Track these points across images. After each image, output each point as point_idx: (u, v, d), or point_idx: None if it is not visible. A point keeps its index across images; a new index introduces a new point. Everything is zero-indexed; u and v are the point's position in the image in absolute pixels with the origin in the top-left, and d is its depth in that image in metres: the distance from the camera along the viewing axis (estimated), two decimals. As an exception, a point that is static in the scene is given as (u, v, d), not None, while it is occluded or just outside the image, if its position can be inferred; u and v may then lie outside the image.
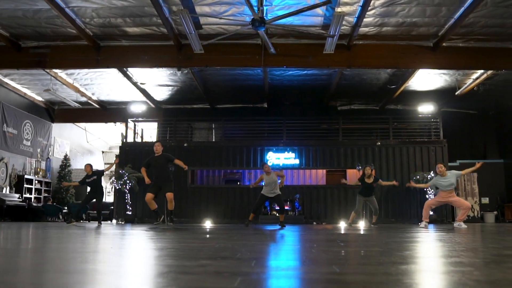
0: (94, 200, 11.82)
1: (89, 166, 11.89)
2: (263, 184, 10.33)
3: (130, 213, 14.76)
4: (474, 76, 14.04)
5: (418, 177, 14.36)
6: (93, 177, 11.65)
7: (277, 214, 12.20)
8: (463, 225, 9.74)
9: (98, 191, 11.63)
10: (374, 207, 11.50)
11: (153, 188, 9.37)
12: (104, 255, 3.07)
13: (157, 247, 3.72)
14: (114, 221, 15.33)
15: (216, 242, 4.23)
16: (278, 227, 9.71)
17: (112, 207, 15.94)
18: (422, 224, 10.35)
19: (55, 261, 2.63)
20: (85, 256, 2.87)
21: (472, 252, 3.19)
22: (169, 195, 9.25)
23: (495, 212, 16.52)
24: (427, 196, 14.22)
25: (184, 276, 1.94)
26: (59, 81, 14.36)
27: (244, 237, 5.11)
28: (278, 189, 10.22)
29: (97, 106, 17.36)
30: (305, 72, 14.15)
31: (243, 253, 2.94)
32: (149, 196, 9.26)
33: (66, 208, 16.74)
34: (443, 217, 14.80)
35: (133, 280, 1.86)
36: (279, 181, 10.46)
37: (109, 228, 9.08)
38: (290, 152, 15.46)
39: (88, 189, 11.80)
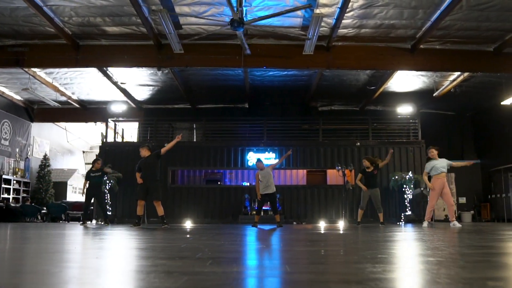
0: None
1: (100, 161, 11.61)
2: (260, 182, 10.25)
3: (110, 213, 14.60)
4: (451, 78, 14.21)
5: (396, 177, 14.50)
6: (98, 173, 11.43)
7: (270, 213, 12.17)
8: (458, 224, 9.77)
9: (98, 188, 11.40)
10: (376, 203, 11.16)
11: (141, 192, 9.46)
12: (63, 255, 3.03)
13: (121, 247, 3.69)
14: (94, 221, 15.18)
15: (184, 242, 4.22)
16: (254, 228, 9.72)
17: (92, 207, 15.77)
18: (425, 224, 10.21)
19: (11, 262, 2.59)
20: (44, 257, 2.84)
21: (439, 250, 3.23)
22: (156, 203, 9.42)
23: (472, 212, 16.76)
24: (405, 196, 14.35)
25: (128, 276, 1.94)
26: (38, 80, 14.18)
27: (215, 237, 5.10)
28: (274, 186, 10.19)
29: (77, 105, 17.19)
30: (286, 72, 14.19)
31: (204, 253, 2.94)
32: (141, 202, 9.45)
33: (45, 208, 16.54)
34: (421, 217, 14.92)
35: (68, 280, 1.84)
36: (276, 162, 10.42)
37: (84, 228, 9.00)
38: (271, 152, 15.50)
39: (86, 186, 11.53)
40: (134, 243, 4.16)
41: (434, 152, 10.43)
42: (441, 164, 10.26)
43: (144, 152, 9.71)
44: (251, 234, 6.05)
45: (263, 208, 14.65)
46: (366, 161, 11.50)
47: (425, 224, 10.32)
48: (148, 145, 10.22)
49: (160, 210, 9.42)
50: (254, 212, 14.81)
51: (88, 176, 11.47)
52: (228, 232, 6.55)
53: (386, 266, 2.23)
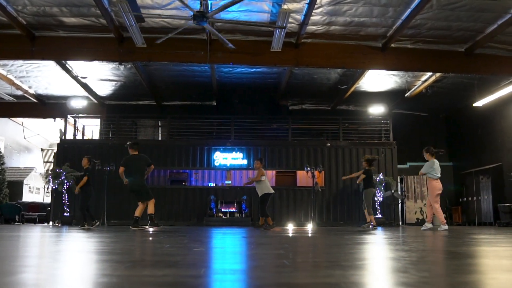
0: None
1: (87, 159, 10.88)
2: (262, 179, 10.17)
3: (67, 214, 14.35)
4: (424, 78, 14.44)
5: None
6: (81, 173, 10.85)
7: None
8: (429, 225, 9.90)
9: (84, 189, 10.71)
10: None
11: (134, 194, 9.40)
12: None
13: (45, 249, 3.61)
14: (50, 223, 14.89)
15: (123, 243, 4.15)
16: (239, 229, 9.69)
17: (49, 208, 15.48)
18: (443, 227, 9.78)
19: None
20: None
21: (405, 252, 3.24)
22: (140, 204, 9.30)
23: (444, 215, 17.02)
24: (375, 198, 14.49)
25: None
26: (-10, 72, 13.83)
27: (163, 239, 5.04)
28: (257, 189, 10.28)
29: (34, 100, 16.81)
30: (254, 70, 14.18)
31: (124, 254, 2.88)
32: (141, 205, 9.31)
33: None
34: (391, 220, 15.14)
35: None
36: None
37: (38, 230, 8.81)
38: (238, 152, 15.47)
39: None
40: (63, 245, 4.07)
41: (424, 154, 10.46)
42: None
43: (133, 152, 9.46)
44: (198, 236, 6.00)
45: (228, 210, 14.66)
46: (364, 162, 11.19)
47: (445, 227, 9.82)
48: (139, 141, 9.82)
49: (152, 208, 9.28)
50: (221, 215, 14.79)
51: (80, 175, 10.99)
52: (179, 235, 6.48)
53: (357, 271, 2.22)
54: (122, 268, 2.35)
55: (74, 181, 14.06)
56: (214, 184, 15.77)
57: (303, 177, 15.84)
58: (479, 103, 14.71)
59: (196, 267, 2.41)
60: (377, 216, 14.51)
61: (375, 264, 2.74)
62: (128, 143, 9.81)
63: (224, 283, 1.98)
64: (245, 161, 15.43)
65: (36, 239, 5.60)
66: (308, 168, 13.81)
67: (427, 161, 10.57)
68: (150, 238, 5.63)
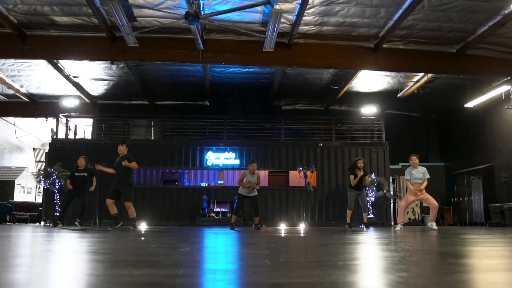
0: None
1: (83, 159, 10.93)
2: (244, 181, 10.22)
3: (59, 214, 14.26)
4: (415, 78, 14.49)
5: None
6: (83, 173, 10.80)
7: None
8: (435, 226, 9.94)
9: (83, 189, 10.73)
10: (364, 203, 11.12)
11: (112, 193, 9.32)
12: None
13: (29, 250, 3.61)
14: (42, 223, 14.83)
15: (109, 243, 4.15)
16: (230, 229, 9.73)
17: (41, 208, 15.42)
18: (398, 227, 10.20)
19: None
20: None
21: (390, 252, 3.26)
22: (127, 204, 9.27)
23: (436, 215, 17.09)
24: (367, 198, 14.51)
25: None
26: (-18, 71, 13.77)
27: (151, 239, 5.04)
28: (256, 190, 10.31)
29: (26, 99, 16.75)
30: (247, 70, 14.19)
31: (107, 254, 2.88)
32: (108, 201, 9.27)
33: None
34: (383, 220, 15.18)
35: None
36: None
37: (28, 230, 8.77)
38: (231, 152, 15.46)
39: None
40: (47, 245, 4.06)
41: (416, 160, 10.39)
42: (420, 174, 10.29)
43: (123, 150, 9.44)
44: (185, 237, 6.00)
45: (221, 210, 14.64)
46: (362, 162, 11.26)
47: (398, 227, 10.23)
48: (127, 142, 9.78)
49: (131, 212, 9.30)
50: (213, 215, 14.79)
51: (72, 176, 10.95)
52: (166, 236, 6.48)
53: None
54: (101, 268, 2.35)
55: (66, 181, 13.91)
56: (206, 184, 15.77)
57: (295, 177, 15.86)
58: (470, 104, 14.78)
59: (176, 267, 2.41)
60: (369, 216, 14.56)
61: (357, 264, 2.75)
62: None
63: (200, 283, 1.98)
64: (237, 161, 15.43)
65: (23, 239, 5.59)
66: (301, 168, 13.85)
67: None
68: (142, 238, 5.63)
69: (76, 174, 10.79)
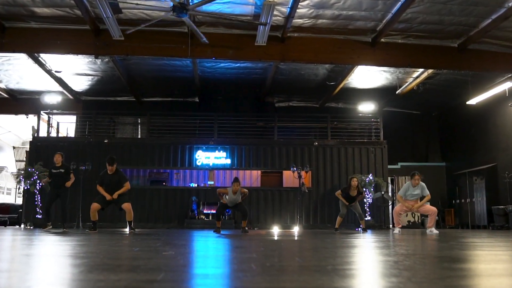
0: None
1: (60, 155, 10.85)
2: (225, 197, 10.28)
3: (40, 216, 14.22)
4: (415, 74, 14.52)
5: (356, 180, 14.71)
6: (61, 169, 10.74)
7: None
8: (435, 231, 10.00)
9: (62, 187, 10.67)
10: (358, 212, 11.53)
11: (101, 200, 9.36)
12: None
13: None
14: (22, 225, 14.76)
15: (90, 247, 4.14)
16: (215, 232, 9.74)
17: (21, 210, 15.35)
18: (396, 230, 10.52)
19: None
20: None
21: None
22: (127, 206, 9.38)
23: (436, 218, 17.16)
24: (365, 200, 14.56)
25: None
26: (-43, 65, 13.67)
27: (134, 242, 5.03)
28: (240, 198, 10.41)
29: (5, 95, 16.64)
30: (238, 65, 14.17)
31: (86, 258, 2.88)
32: (94, 206, 9.32)
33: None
34: (381, 222, 15.23)
35: None
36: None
37: (8, 233, 8.73)
38: (221, 151, 15.46)
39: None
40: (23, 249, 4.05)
41: (418, 181, 10.54)
42: (415, 193, 10.47)
43: (111, 168, 9.55)
44: (163, 240, 6.00)
45: (211, 212, 14.64)
46: (356, 181, 11.38)
47: (396, 230, 10.56)
48: (115, 159, 9.74)
49: (130, 215, 9.46)
50: (203, 217, 14.78)
51: (50, 174, 10.95)
52: (143, 239, 6.47)
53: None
54: (77, 272, 2.35)
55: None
56: (196, 185, 15.75)
57: (289, 177, 15.87)
58: (472, 101, 14.83)
59: (156, 272, 2.41)
60: (366, 219, 14.61)
61: (347, 269, 2.76)
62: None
63: (180, 288, 1.99)
64: (228, 161, 15.42)
65: (1, 242, 5.56)
66: (295, 168, 13.86)
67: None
68: (125, 241, 5.62)
69: (53, 171, 10.81)
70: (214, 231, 9.98)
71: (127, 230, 9.78)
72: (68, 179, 10.66)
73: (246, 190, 10.60)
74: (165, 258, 3.37)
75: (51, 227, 10.90)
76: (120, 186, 9.50)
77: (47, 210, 10.95)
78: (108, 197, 9.31)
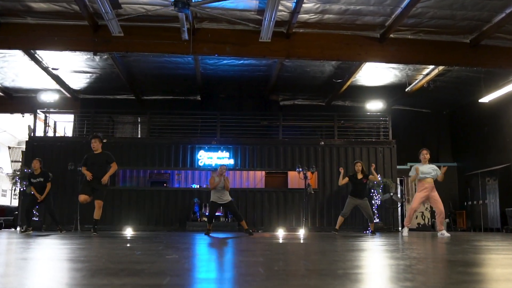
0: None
1: (38, 162, 10.98)
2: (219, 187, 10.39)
3: (37, 219, 14.25)
4: (425, 71, 14.50)
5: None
6: (39, 178, 10.92)
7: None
8: (446, 234, 9.94)
9: (45, 195, 10.92)
10: (367, 213, 11.41)
11: (86, 187, 9.14)
12: None
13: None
14: (18, 228, 14.78)
15: (91, 250, 4.15)
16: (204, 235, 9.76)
17: (17, 212, 15.39)
18: (405, 231, 10.47)
19: None
20: None
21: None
22: (98, 203, 9.12)
23: (447, 220, 17.14)
24: (373, 202, 14.54)
25: None
26: (-49, 62, 13.72)
27: (136, 246, 5.04)
28: (228, 194, 10.47)
29: (0, 93, 16.71)
30: (242, 62, 14.19)
31: (88, 262, 2.89)
32: (82, 197, 9.06)
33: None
34: (390, 225, 15.20)
35: None
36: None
37: (4, 236, 8.76)
38: (224, 151, 15.46)
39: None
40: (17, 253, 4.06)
41: (427, 155, 10.54)
42: (430, 168, 10.41)
43: (96, 145, 9.29)
44: (157, 242, 6.01)
45: (216, 214, 14.64)
46: (359, 165, 11.46)
47: (405, 232, 10.50)
48: (100, 136, 9.57)
49: (98, 214, 9.15)
50: (205, 219, 14.79)
51: (29, 183, 11.05)
52: (158, 241, 6.48)
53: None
54: (79, 277, 2.35)
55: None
56: (198, 186, 15.77)
57: (294, 178, 15.87)
58: (485, 99, 14.79)
59: (161, 276, 2.41)
60: (375, 221, 14.60)
61: (358, 273, 2.76)
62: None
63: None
64: (231, 161, 15.41)
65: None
66: (300, 169, 13.85)
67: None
68: (127, 245, 5.63)
69: (32, 180, 10.91)
70: (205, 234, 10.09)
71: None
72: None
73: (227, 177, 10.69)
74: (169, 261, 3.38)
75: (31, 232, 10.91)
76: (106, 166, 9.25)
77: (27, 214, 11.04)
78: (88, 176, 8.96)
